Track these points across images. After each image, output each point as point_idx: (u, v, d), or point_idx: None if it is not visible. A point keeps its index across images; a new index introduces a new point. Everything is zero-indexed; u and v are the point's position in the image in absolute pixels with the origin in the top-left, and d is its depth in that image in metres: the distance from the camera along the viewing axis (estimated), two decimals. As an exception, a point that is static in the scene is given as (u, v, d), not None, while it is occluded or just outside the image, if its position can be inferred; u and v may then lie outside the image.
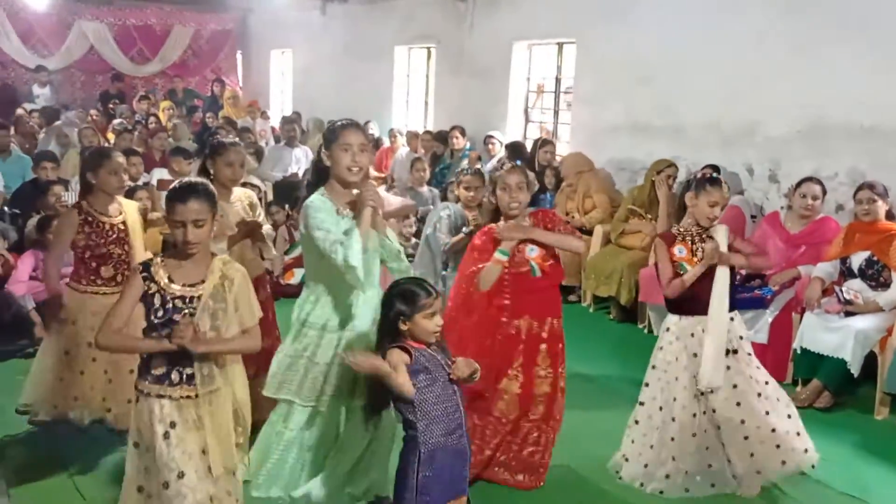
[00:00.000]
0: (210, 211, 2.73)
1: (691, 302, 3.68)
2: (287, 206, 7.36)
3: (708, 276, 3.64)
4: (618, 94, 7.87)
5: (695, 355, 3.67)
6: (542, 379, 3.74)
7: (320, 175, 3.33)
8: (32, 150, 8.69)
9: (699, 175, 3.79)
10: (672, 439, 3.73)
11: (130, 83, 14.72)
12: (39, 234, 5.65)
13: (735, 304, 3.79)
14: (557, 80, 9.20)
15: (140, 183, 6.99)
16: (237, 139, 5.33)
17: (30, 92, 13.20)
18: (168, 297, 2.65)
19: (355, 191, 3.22)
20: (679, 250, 3.70)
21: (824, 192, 5.55)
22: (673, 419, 3.73)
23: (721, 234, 3.69)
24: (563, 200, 7.55)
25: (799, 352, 5.04)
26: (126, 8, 14.81)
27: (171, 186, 2.81)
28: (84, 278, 3.98)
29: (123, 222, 4.03)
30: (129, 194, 5.59)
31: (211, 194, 2.76)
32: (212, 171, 4.07)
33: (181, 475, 2.66)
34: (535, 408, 3.75)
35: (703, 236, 3.69)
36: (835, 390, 4.91)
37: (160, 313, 2.65)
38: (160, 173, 7.78)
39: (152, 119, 11.51)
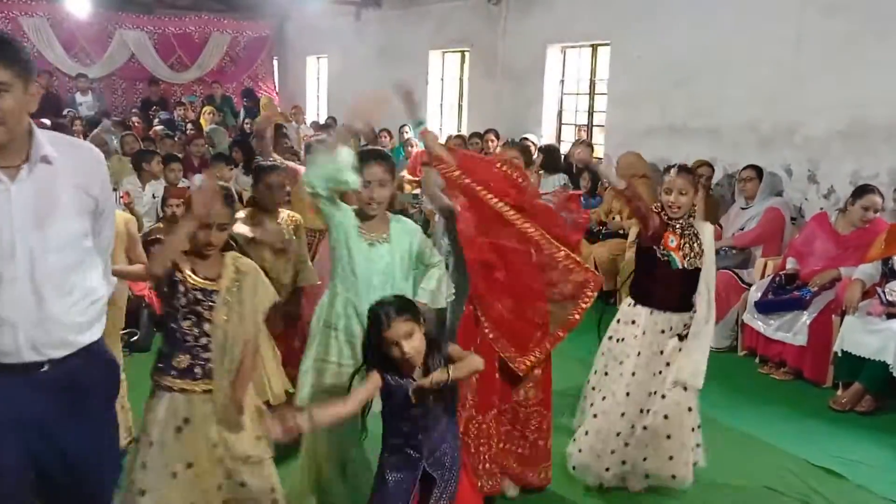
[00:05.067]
0: (231, 217, 2.91)
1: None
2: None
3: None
4: (653, 95, 7.83)
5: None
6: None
7: None
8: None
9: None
10: None
11: (169, 90, 15.02)
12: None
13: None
14: (592, 83, 9.18)
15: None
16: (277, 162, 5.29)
17: (73, 100, 13.48)
18: (189, 287, 2.75)
19: None
20: (671, 240, 3.63)
21: (883, 199, 5.44)
22: None
23: (707, 232, 3.66)
24: (610, 199, 7.46)
25: (840, 354, 4.97)
26: (166, 16, 15.10)
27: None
28: None
29: None
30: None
31: (233, 199, 2.92)
32: (254, 195, 4.21)
33: (189, 465, 2.73)
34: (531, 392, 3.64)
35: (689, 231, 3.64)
36: (876, 394, 4.83)
37: (182, 301, 2.74)
38: (200, 179, 7.89)
39: (190, 125, 11.70)
